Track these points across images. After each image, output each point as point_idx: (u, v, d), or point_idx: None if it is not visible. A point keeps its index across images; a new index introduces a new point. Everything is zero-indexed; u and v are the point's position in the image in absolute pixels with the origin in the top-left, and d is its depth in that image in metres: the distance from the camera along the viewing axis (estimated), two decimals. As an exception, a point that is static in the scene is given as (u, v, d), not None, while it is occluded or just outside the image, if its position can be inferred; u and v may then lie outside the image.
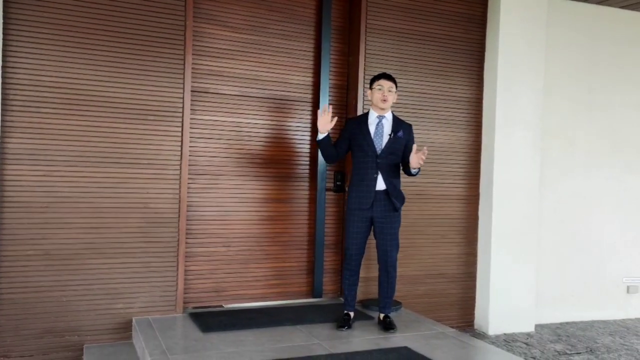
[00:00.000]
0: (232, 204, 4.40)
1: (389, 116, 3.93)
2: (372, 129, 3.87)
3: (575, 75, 5.43)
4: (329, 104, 4.62)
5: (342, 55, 4.76)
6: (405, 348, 3.49)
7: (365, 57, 4.61)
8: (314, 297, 4.65)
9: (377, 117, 3.91)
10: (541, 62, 4.96)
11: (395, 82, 3.92)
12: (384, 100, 3.83)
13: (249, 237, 4.46)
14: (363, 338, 3.69)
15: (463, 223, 4.96)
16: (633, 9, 5.58)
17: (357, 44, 4.62)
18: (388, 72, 4.65)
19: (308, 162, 4.64)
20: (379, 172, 3.80)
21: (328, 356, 3.30)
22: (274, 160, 4.54)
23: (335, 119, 3.87)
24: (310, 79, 4.64)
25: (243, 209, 4.44)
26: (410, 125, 4.01)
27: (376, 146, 3.83)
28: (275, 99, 4.52)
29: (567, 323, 5.29)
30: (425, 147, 3.80)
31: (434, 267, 4.87)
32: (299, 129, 4.60)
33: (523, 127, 4.91)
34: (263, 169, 4.49)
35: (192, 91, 4.17)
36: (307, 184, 4.66)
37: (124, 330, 3.96)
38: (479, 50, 4.98)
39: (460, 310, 4.95)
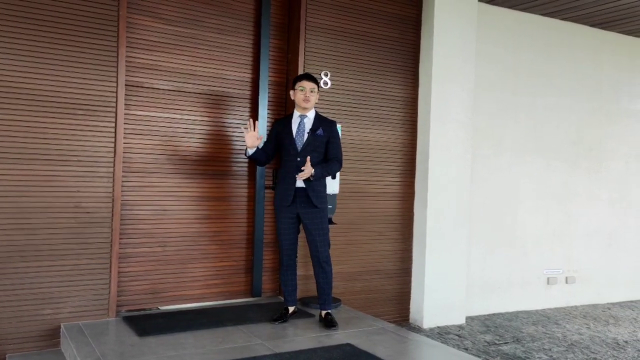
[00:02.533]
0: (168, 202, 4.26)
1: (310, 115, 3.96)
2: (294, 128, 3.95)
3: (502, 77, 5.69)
4: (268, 100, 4.59)
5: (281, 52, 4.72)
6: (349, 345, 3.52)
7: (304, 54, 4.60)
8: (253, 296, 4.60)
9: (299, 116, 3.96)
10: (472, 64, 5.16)
11: (317, 83, 3.97)
12: (306, 101, 3.89)
13: (186, 237, 4.33)
14: (305, 336, 3.69)
15: (399, 220, 5.08)
16: (553, 17, 5.91)
17: (296, 42, 4.60)
18: (326, 70, 4.69)
19: (246, 160, 4.57)
20: (299, 169, 3.83)
21: (272, 356, 3.27)
22: (212, 157, 4.43)
23: (262, 136, 4.03)
24: (249, 76, 4.57)
25: (180, 207, 4.30)
26: (332, 123, 3.99)
27: (297, 145, 3.90)
28: (212, 95, 4.41)
29: (494, 314, 5.54)
30: (305, 167, 3.78)
31: (371, 263, 4.95)
32: (238, 125, 4.52)
33: (455, 126, 5.08)
34: (200, 167, 4.38)
35: (126, 85, 3.99)
36: (245, 181, 4.58)
37: (51, 337, 3.74)
38: (414, 50, 5.11)
39: (396, 306, 5.07)
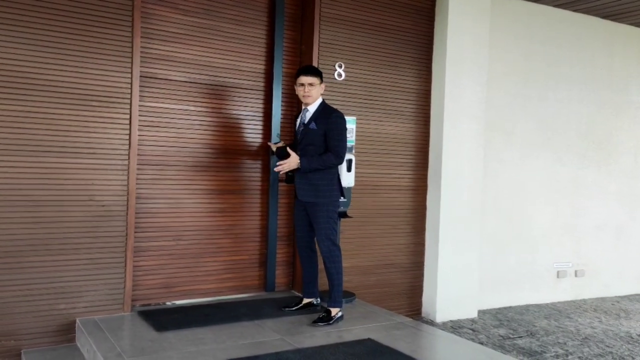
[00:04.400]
0: (182, 195, 4.20)
1: (312, 108, 3.84)
2: (298, 121, 3.93)
3: (513, 69, 5.65)
4: (282, 91, 4.52)
5: (294, 43, 4.66)
6: (369, 340, 3.49)
7: (319, 46, 4.53)
8: (266, 290, 4.56)
9: (304, 109, 3.90)
10: (485, 56, 5.11)
11: (317, 74, 3.82)
12: (306, 97, 3.80)
13: (200, 230, 4.28)
14: (325, 331, 3.65)
15: (412, 213, 5.04)
16: (565, 8, 5.87)
17: (310, 33, 4.54)
18: (340, 61, 4.62)
19: (260, 153, 4.52)
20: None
21: (295, 352, 3.24)
22: (226, 150, 4.38)
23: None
24: (262, 67, 4.50)
25: (194, 201, 4.25)
26: (331, 114, 3.76)
27: (297, 138, 3.91)
28: (226, 86, 4.35)
29: (505, 308, 5.53)
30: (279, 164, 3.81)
31: (384, 257, 4.92)
32: (251, 117, 4.46)
33: (469, 119, 5.04)
34: (214, 159, 4.32)
35: (141, 76, 3.91)
36: (259, 174, 4.53)
37: (67, 332, 3.69)
38: (428, 42, 5.05)
39: (408, 299, 5.04)
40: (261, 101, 4.51)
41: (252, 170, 4.49)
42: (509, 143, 5.64)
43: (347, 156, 4.33)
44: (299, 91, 3.83)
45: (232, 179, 4.41)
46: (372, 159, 4.82)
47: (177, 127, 4.15)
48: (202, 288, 4.31)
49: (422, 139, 5.07)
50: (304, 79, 3.79)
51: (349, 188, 4.46)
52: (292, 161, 3.75)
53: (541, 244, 5.85)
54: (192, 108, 4.22)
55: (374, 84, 4.82)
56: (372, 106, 4.82)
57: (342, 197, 3.96)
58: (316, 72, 3.84)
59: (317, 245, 3.90)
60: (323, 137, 3.76)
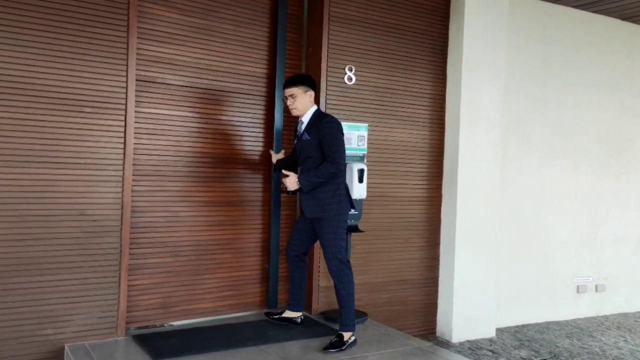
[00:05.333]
0: (179, 208, 3.90)
1: (305, 119, 3.62)
2: (297, 134, 3.69)
3: (531, 73, 5.36)
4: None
5: (296, 45, 4.36)
6: (387, 369, 3.19)
7: (328, 48, 4.24)
8: (268, 307, 4.26)
9: (299, 121, 3.68)
10: (503, 59, 4.82)
11: (296, 84, 3.57)
12: (291, 109, 3.63)
13: (198, 245, 3.98)
14: (337, 358, 3.34)
15: (425, 226, 4.74)
16: (584, 9, 5.59)
17: (318, 34, 4.24)
18: (350, 64, 4.33)
19: (261, 162, 4.22)
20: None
21: (306, 384, 2.93)
22: (224, 159, 4.08)
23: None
24: (264, 71, 4.21)
25: (192, 213, 3.95)
26: (321, 120, 3.50)
27: (297, 152, 3.71)
28: (225, 91, 4.05)
29: (523, 326, 5.22)
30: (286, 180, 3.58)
31: (397, 273, 4.61)
32: (251, 124, 4.18)
33: (486, 126, 4.75)
34: (213, 169, 4.03)
35: (136, 80, 3.61)
36: (260, 185, 4.24)
37: None
38: (442, 44, 4.76)
39: (422, 318, 4.73)
40: (262, 107, 4.22)
41: (253, 180, 4.21)
42: (525, 150, 5.34)
43: (359, 166, 4.05)
44: (286, 106, 3.68)
45: (231, 189, 4.11)
46: (383, 169, 4.51)
47: (174, 134, 3.85)
48: (201, 307, 4.00)
49: (437, 147, 4.77)
50: (285, 92, 3.63)
51: (361, 200, 4.16)
52: (291, 181, 3.53)
53: (559, 257, 5.55)
54: (190, 114, 3.92)
55: (386, 88, 4.52)
56: (384, 112, 4.52)
57: (352, 209, 3.67)
58: (295, 82, 3.59)
59: (318, 261, 3.76)
60: (319, 147, 3.50)
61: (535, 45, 5.36)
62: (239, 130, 4.13)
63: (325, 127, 3.45)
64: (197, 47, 3.91)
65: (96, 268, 3.47)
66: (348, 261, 3.59)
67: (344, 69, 4.31)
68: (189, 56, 3.88)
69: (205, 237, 4.01)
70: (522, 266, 5.31)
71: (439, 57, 4.75)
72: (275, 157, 4.03)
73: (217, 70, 4.00)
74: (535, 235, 5.40)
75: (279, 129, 4.20)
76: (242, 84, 4.11)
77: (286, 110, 3.93)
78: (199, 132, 3.95)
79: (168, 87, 3.81)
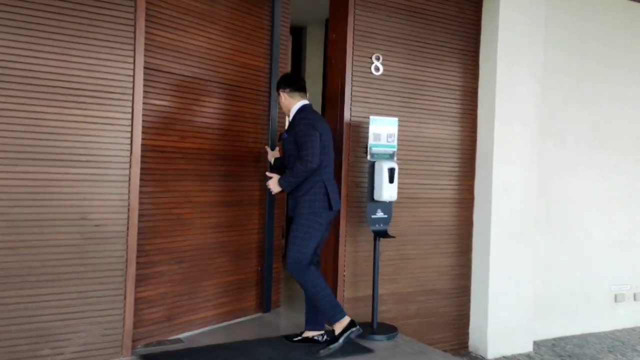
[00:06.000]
0: (183, 210, 3.54)
1: (290, 118, 3.48)
2: None
3: (565, 66, 4.96)
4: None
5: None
6: (431, 395, 2.79)
7: (354, 34, 3.85)
8: (263, 311, 4.02)
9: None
10: (540, 48, 4.44)
11: (276, 87, 3.48)
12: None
13: (200, 250, 3.65)
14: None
15: (456, 230, 4.35)
16: (623, -3, 5.21)
17: (343, 19, 3.86)
18: (377, 53, 3.97)
19: (260, 159, 3.95)
20: None
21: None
22: (226, 157, 3.78)
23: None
24: (265, 65, 3.93)
25: (195, 215, 3.61)
26: (296, 115, 3.37)
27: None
28: (227, 84, 3.74)
29: (561, 338, 4.83)
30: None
31: (426, 282, 4.22)
32: (250, 120, 3.89)
33: (523, 121, 4.36)
34: (213, 167, 3.71)
35: (145, 68, 3.21)
36: (257, 183, 3.96)
37: (51, 383, 2.98)
38: (474, 32, 4.37)
39: (454, 331, 4.34)
40: (265, 101, 3.93)
41: (250, 179, 3.92)
42: (559, 148, 4.93)
43: (389, 164, 3.66)
44: None
45: (230, 189, 3.80)
46: (411, 167, 4.12)
47: (180, 130, 3.48)
48: (202, 317, 3.68)
49: (468, 144, 4.38)
50: None
51: (391, 202, 3.77)
52: (272, 183, 3.39)
53: (596, 263, 5.15)
54: (197, 108, 3.56)
55: (415, 79, 4.13)
56: (413, 106, 4.13)
57: (329, 209, 3.30)
58: (276, 86, 3.49)
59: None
60: (296, 145, 3.32)
61: (570, 37, 4.96)
62: (237, 126, 3.82)
63: (297, 125, 3.32)
64: (206, 35, 3.54)
65: (99, 279, 3.06)
66: (312, 263, 3.29)
67: (371, 58, 3.93)
68: (198, 44, 3.51)
69: (206, 240, 3.68)
70: (556, 272, 4.91)
71: (471, 45, 4.36)
72: (272, 154, 3.77)
73: (225, 62, 3.68)
74: (569, 239, 5.01)
75: (274, 124, 3.94)
76: (241, 76, 3.79)
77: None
78: (202, 127, 3.61)
79: (177, 77, 3.43)
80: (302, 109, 3.39)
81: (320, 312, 3.32)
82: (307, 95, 3.47)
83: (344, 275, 3.86)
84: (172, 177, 3.46)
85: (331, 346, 3.20)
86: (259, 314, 3.97)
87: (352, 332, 3.21)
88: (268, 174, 3.47)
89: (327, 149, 3.33)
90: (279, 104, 3.54)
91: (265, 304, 4.01)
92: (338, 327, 3.23)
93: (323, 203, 3.26)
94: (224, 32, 3.66)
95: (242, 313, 3.92)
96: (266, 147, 3.88)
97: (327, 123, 3.47)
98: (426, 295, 4.21)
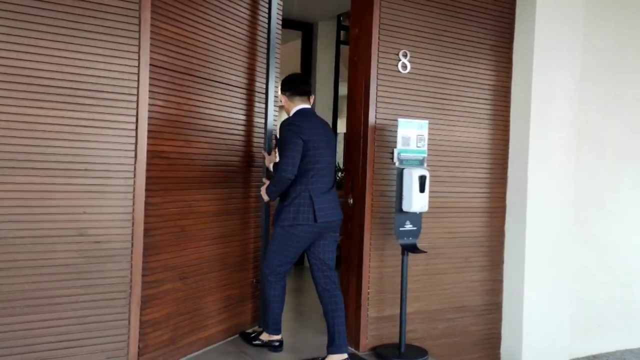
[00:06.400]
0: (187, 222, 3.22)
1: None
2: None
3: (602, 63, 4.56)
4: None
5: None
6: None
7: (379, 28, 3.51)
8: (259, 325, 3.73)
9: None
10: (579, 43, 4.09)
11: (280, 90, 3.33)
12: None
13: (201, 264, 3.35)
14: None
15: (487, 242, 4.01)
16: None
17: (368, 11, 3.51)
18: (405, 50, 3.62)
19: (254, 166, 3.68)
20: None
21: None
22: (224, 162, 3.47)
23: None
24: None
25: (198, 227, 3.30)
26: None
27: None
28: (231, 85, 3.46)
29: (594, 356, 4.48)
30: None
31: (455, 298, 3.88)
32: (249, 122, 3.62)
33: (558, 123, 4.02)
34: (213, 174, 3.41)
35: (151, 65, 2.86)
36: (253, 190, 3.69)
37: (47, 418, 2.64)
38: (508, 25, 4.02)
39: (484, 351, 4.00)
40: (262, 103, 3.69)
41: (246, 185, 3.65)
42: (596, 152, 4.55)
43: (419, 171, 3.32)
44: None
45: (227, 196, 3.51)
46: (440, 174, 3.78)
47: (185, 134, 3.16)
48: (205, 336, 3.40)
49: (500, 149, 4.04)
50: None
51: (420, 213, 3.43)
52: (262, 191, 3.28)
53: (636, 276, 4.79)
54: (201, 110, 3.25)
55: (443, 77, 3.79)
56: (441, 106, 3.79)
57: (312, 222, 3.06)
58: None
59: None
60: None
61: (608, 29, 4.57)
62: (234, 129, 3.52)
63: (282, 131, 3.15)
64: (208, 30, 3.23)
65: (100, 302, 2.73)
66: (277, 275, 3.22)
67: (398, 55, 3.59)
68: (204, 40, 3.18)
69: (207, 253, 3.38)
70: (593, 287, 4.55)
71: (504, 41, 4.02)
72: (269, 159, 3.50)
73: (228, 62, 3.40)
74: (607, 251, 4.63)
75: (270, 127, 3.65)
76: (239, 75, 3.50)
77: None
78: (204, 130, 3.30)
79: (184, 76, 3.10)
80: (297, 113, 3.20)
81: (267, 315, 3.33)
82: (312, 97, 3.27)
83: (368, 293, 3.52)
84: (177, 185, 3.13)
85: (248, 341, 3.44)
86: (255, 329, 3.70)
87: (269, 347, 3.36)
88: (264, 179, 3.36)
89: (319, 157, 3.09)
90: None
91: (261, 317, 3.72)
92: (265, 336, 3.39)
93: (307, 215, 3.05)
94: (225, 25, 3.35)
95: (239, 328, 3.65)
96: (263, 151, 3.59)
97: (327, 129, 3.23)
98: (455, 313, 3.88)
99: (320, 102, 6.37)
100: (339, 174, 8.47)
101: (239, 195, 3.60)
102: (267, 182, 3.23)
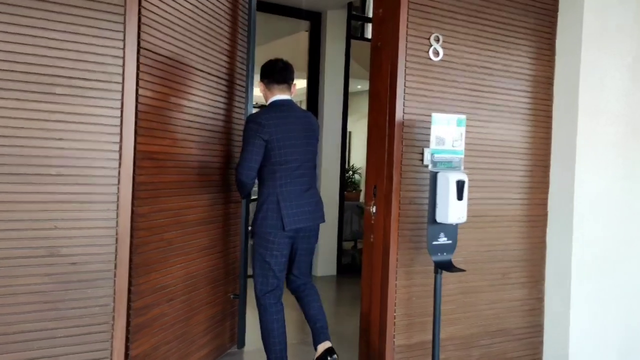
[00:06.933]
0: (173, 234, 2.77)
1: None
2: None
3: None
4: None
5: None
6: None
7: (408, 9, 3.01)
8: (238, 347, 3.40)
9: None
10: (631, 26, 3.57)
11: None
12: None
13: (187, 281, 2.91)
14: None
15: (527, 255, 3.51)
16: None
17: (394, -11, 3.02)
18: (436, 34, 3.11)
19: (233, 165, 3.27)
20: None
21: None
22: (204, 163, 3.01)
23: None
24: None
25: (183, 238, 2.85)
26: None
27: None
28: (213, 75, 3.02)
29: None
30: None
31: (491, 321, 3.38)
32: (230, 118, 3.20)
33: (607, 120, 3.51)
34: (196, 176, 2.95)
35: (140, 49, 2.37)
36: (232, 194, 3.30)
37: None
38: (551, 7, 3.51)
39: (523, 381, 3.51)
40: (242, 95, 3.28)
41: (226, 188, 3.23)
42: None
43: (456, 175, 2.82)
44: None
45: (209, 203, 3.07)
46: (476, 178, 3.27)
47: (174, 131, 2.70)
48: None
49: (541, 148, 3.54)
50: None
51: (456, 225, 2.93)
52: None
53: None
54: (188, 103, 2.80)
55: (479, 66, 3.29)
56: (476, 100, 3.29)
57: (280, 229, 2.88)
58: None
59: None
60: None
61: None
62: (215, 125, 3.08)
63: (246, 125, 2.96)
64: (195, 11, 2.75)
65: (78, 338, 2.24)
66: (271, 292, 2.95)
67: (429, 39, 3.09)
68: (194, 19, 2.69)
69: (192, 268, 2.96)
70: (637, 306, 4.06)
71: (546, 24, 3.50)
72: None
73: (203, 44, 2.91)
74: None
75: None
76: (221, 64, 3.06)
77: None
78: (190, 127, 2.84)
79: (174, 62, 2.63)
80: (270, 105, 2.99)
81: (267, 352, 2.97)
82: (294, 86, 3.04)
83: (395, 317, 3.02)
84: (165, 192, 2.67)
85: None
86: (234, 350, 3.38)
87: None
88: None
89: (289, 156, 2.88)
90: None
91: (239, 337, 3.41)
92: None
93: (274, 222, 2.87)
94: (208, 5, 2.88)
95: (218, 350, 3.24)
96: None
97: (306, 124, 2.99)
98: (491, 338, 3.38)
99: (329, 98, 5.90)
100: (355, 176, 7.84)
101: (221, 201, 3.17)
102: None
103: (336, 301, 5.11)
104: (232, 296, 3.29)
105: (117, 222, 2.30)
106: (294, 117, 2.95)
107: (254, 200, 3.33)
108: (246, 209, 3.34)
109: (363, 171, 10.55)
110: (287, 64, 3.05)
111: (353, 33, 6.16)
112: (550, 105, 3.55)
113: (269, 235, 2.88)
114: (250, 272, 3.10)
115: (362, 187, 10.46)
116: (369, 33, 7.81)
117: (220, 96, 3.05)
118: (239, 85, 3.23)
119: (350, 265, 6.14)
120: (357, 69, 6.50)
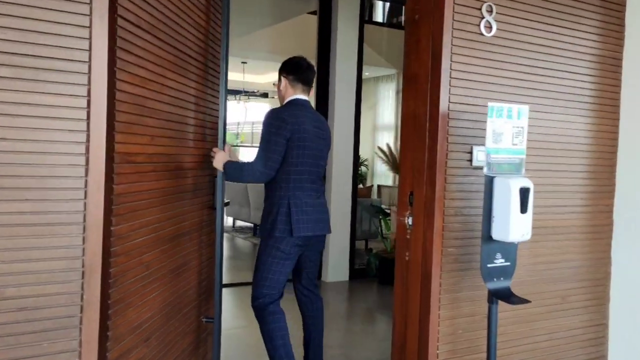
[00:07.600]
0: (151, 256, 2.13)
1: None
2: None
3: None
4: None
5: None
6: None
7: (455, -28, 2.41)
8: None
9: None
10: None
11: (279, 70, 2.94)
12: None
13: (163, 311, 2.28)
14: None
15: (589, 274, 2.93)
16: None
17: (437, -54, 2.41)
18: (489, 3, 2.50)
19: (205, 166, 2.70)
20: None
21: None
22: (177, 164, 2.37)
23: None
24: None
25: (159, 258, 2.21)
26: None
27: None
28: (188, 55, 2.36)
29: None
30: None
31: (549, 353, 2.81)
32: (204, 110, 2.58)
33: (687, 112, 2.93)
34: (171, 181, 2.31)
35: (118, 16, 1.76)
36: (207, 199, 2.75)
37: None
38: (618, -24, 2.93)
39: (587, 423, 2.94)
40: (215, 81, 2.69)
41: (201, 193, 2.66)
42: None
43: (520, 182, 2.24)
44: None
45: (185, 211, 2.47)
46: (535, 183, 2.68)
47: (153, 126, 2.07)
48: None
49: (607, 144, 2.95)
50: None
51: (517, 244, 2.35)
52: (217, 159, 2.65)
53: None
54: (167, 91, 2.16)
55: (537, 44, 2.69)
56: (535, 86, 2.70)
57: (288, 235, 2.73)
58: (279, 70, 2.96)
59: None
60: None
61: None
62: (187, 115, 2.43)
63: (263, 120, 2.80)
64: None
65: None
66: (273, 302, 2.79)
67: (480, 10, 2.49)
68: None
69: (166, 294, 2.31)
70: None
71: (615, -5, 2.92)
72: (220, 157, 2.66)
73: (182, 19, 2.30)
74: None
75: (223, 114, 2.67)
76: (194, 42, 2.40)
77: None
78: (167, 120, 2.22)
79: (154, 41, 2.01)
80: (290, 103, 2.86)
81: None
82: (311, 91, 2.93)
83: (437, 355, 2.45)
84: (143, 204, 2.05)
85: None
86: None
87: None
88: (226, 146, 2.70)
89: (307, 159, 2.74)
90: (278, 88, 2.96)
91: None
92: None
93: (284, 226, 2.74)
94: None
95: None
96: (214, 149, 2.69)
97: (322, 127, 2.87)
98: (549, 373, 2.82)
99: (341, 87, 5.29)
100: (362, 167, 7.35)
101: (196, 207, 2.59)
102: (223, 155, 2.64)
103: (348, 315, 4.54)
104: (204, 320, 2.74)
105: (83, 249, 1.71)
106: (312, 118, 2.82)
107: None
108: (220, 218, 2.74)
109: (369, 163, 9.97)
110: (310, 64, 2.94)
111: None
112: (618, 93, 2.96)
113: (279, 242, 2.74)
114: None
115: (369, 181, 9.89)
116: (377, 16, 7.23)
117: (194, 81, 2.44)
118: (213, 69, 2.63)
119: (364, 271, 5.56)
120: (371, 54, 5.92)
